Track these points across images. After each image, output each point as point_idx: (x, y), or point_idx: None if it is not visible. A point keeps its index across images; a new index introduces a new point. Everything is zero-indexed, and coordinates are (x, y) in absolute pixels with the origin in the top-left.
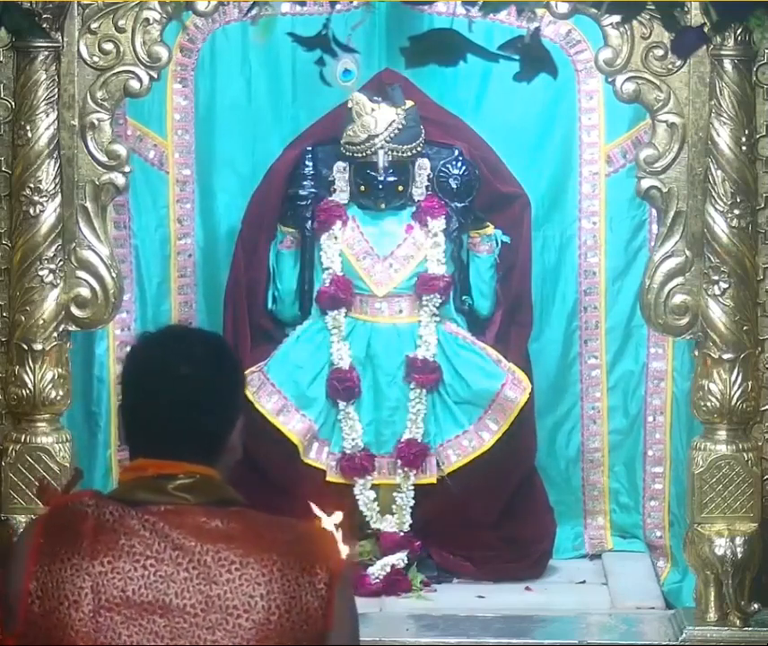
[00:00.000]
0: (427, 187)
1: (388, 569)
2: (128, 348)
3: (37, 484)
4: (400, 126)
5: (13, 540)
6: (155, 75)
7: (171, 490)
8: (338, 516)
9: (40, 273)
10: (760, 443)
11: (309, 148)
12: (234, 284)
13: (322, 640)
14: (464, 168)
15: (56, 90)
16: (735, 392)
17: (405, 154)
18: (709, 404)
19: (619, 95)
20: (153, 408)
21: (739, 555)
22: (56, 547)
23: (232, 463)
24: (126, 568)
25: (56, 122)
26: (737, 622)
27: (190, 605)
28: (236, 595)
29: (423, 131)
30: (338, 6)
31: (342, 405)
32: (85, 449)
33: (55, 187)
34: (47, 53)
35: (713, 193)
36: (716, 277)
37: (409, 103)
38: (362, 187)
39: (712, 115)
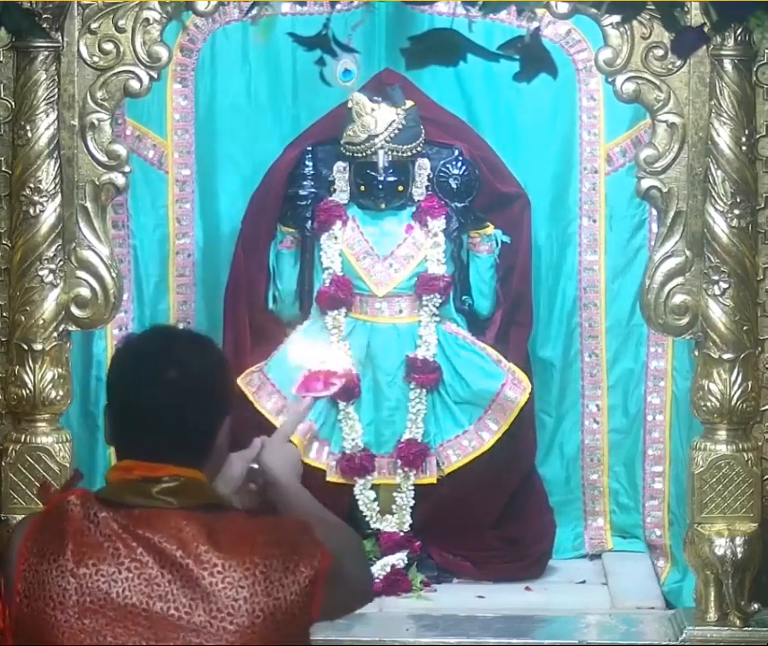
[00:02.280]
0: (427, 187)
1: (388, 569)
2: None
3: (37, 484)
4: (400, 126)
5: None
6: (155, 75)
7: (156, 493)
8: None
9: (40, 273)
10: (760, 443)
11: (309, 148)
12: (234, 284)
13: (307, 633)
14: (464, 168)
15: (56, 90)
16: (735, 392)
17: (405, 154)
18: (709, 404)
19: (619, 95)
20: (139, 411)
21: (739, 555)
22: (43, 548)
23: (220, 464)
24: (110, 571)
25: (56, 122)
26: (737, 622)
27: (174, 608)
28: (219, 598)
29: (423, 131)
30: (338, 6)
31: (342, 405)
32: (84, 449)
33: (55, 187)
34: (47, 53)
35: (713, 193)
36: (716, 277)
37: (409, 103)
38: (362, 187)
39: (712, 115)
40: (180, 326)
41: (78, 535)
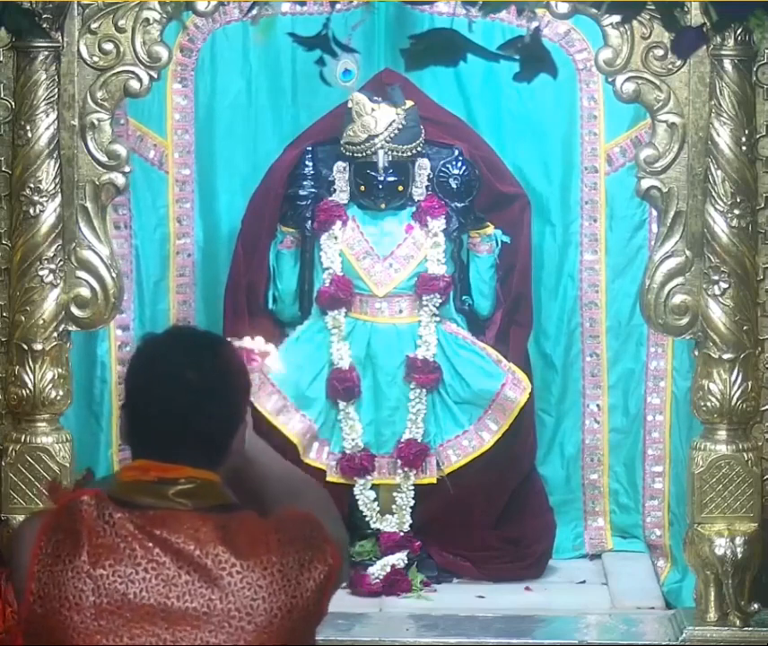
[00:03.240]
0: (427, 187)
1: (388, 569)
2: (131, 349)
3: (37, 484)
4: (400, 126)
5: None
6: (155, 75)
7: (172, 495)
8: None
9: (40, 273)
10: (760, 443)
11: (309, 148)
12: (234, 284)
13: (315, 626)
14: (464, 168)
15: (56, 90)
16: (735, 392)
17: (405, 154)
18: (709, 404)
19: (619, 95)
20: (157, 412)
21: (739, 555)
22: (57, 549)
23: (235, 465)
24: (127, 571)
25: (56, 122)
26: (737, 622)
27: (192, 608)
28: (237, 599)
29: (423, 131)
30: (338, 6)
31: (342, 405)
32: (87, 449)
33: (55, 187)
34: (47, 53)
35: (713, 193)
36: (716, 277)
37: (409, 103)
38: (362, 187)
39: (712, 115)
40: (193, 326)
41: (93, 536)
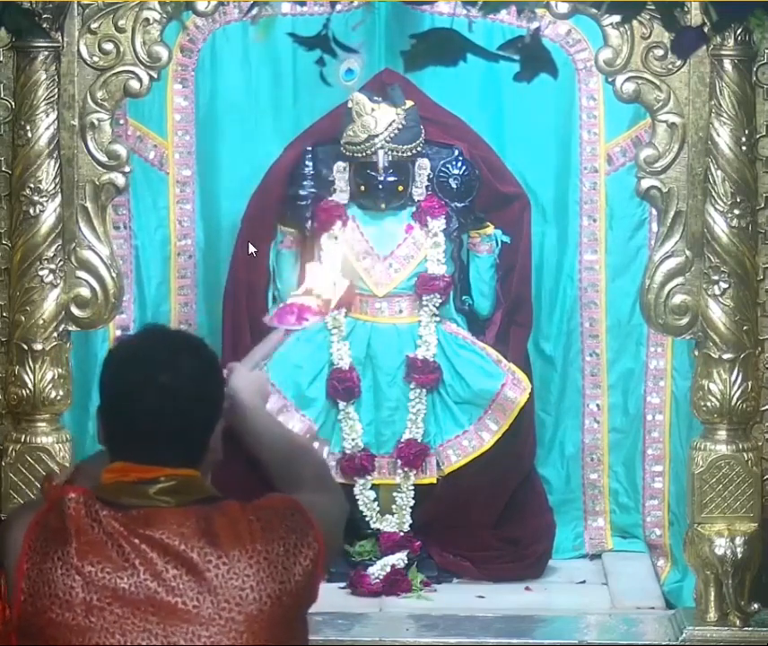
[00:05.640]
0: (427, 187)
1: (388, 569)
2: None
3: (37, 484)
4: (400, 126)
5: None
6: (155, 75)
7: (153, 494)
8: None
9: (40, 273)
10: (760, 443)
11: (309, 148)
12: (234, 284)
13: (306, 610)
14: (464, 168)
15: (56, 90)
16: (735, 392)
17: (405, 154)
18: (709, 404)
19: (619, 95)
20: (133, 415)
21: (739, 555)
22: (47, 546)
23: (214, 463)
24: (116, 568)
25: (56, 122)
26: (737, 622)
27: (182, 602)
28: (226, 590)
29: (423, 131)
30: (338, 6)
31: (342, 405)
32: (84, 449)
33: (55, 187)
34: (47, 53)
35: (713, 193)
36: (716, 277)
37: (409, 103)
38: (362, 187)
39: (712, 115)
40: (174, 327)
41: (81, 533)
